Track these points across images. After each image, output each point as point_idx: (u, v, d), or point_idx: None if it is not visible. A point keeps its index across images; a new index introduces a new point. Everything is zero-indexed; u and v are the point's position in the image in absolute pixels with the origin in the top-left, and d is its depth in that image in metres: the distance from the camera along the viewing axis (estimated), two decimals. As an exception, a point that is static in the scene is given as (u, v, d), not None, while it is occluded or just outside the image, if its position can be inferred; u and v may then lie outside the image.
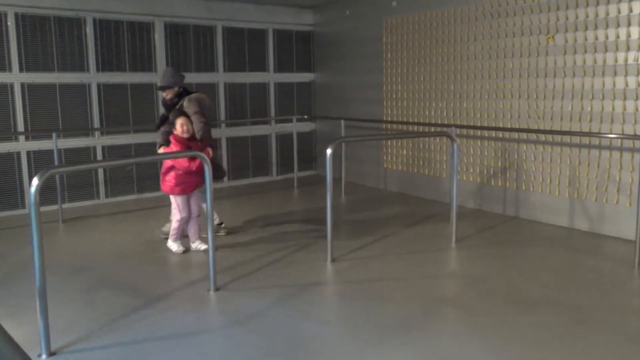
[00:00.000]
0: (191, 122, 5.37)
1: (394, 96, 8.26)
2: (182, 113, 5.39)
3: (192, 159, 5.21)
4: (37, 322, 3.34)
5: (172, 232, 5.52)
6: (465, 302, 4.14)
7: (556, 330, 3.63)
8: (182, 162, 5.21)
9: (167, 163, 5.36)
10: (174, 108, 5.57)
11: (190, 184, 5.36)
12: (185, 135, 5.29)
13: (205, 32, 8.73)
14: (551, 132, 6.17)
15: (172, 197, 5.45)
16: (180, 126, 5.26)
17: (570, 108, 6.08)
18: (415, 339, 3.54)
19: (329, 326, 3.81)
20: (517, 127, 6.59)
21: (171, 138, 5.33)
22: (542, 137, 6.38)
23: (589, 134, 5.87)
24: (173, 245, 5.50)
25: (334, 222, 5.05)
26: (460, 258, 5.28)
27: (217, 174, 5.58)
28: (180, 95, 5.73)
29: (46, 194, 7.16)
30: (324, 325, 3.81)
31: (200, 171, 5.15)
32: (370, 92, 8.67)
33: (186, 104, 5.61)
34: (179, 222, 5.46)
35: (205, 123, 5.58)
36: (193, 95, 5.75)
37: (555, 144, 6.26)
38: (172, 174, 5.32)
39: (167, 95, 5.75)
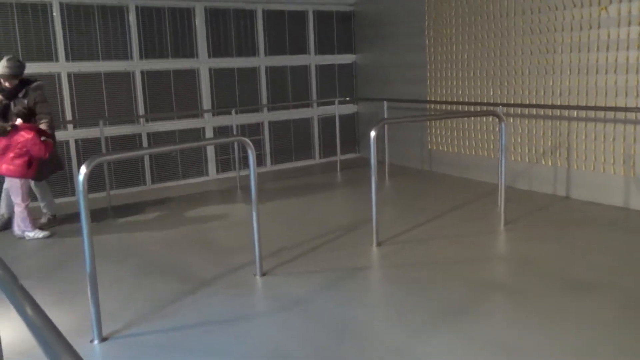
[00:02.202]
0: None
1: (438, 75, 8.07)
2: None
3: (46, 148, 5.55)
4: (89, 307, 3.40)
5: (25, 222, 5.66)
6: (516, 286, 4.02)
7: (611, 314, 3.48)
8: (39, 150, 5.47)
9: (19, 145, 5.44)
10: (16, 96, 5.67)
11: (43, 170, 5.75)
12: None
13: (245, 16, 8.70)
14: (604, 108, 5.92)
15: (18, 182, 5.57)
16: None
17: (625, 82, 5.81)
18: (465, 324, 3.45)
19: (375, 311, 3.76)
20: (568, 104, 6.35)
21: (23, 126, 5.52)
22: (594, 113, 6.13)
23: (646, 110, 5.61)
24: (37, 234, 5.68)
25: (378, 205, 4.97)
26: (510, 240, 5.14)
27: (57, 167, 6.15)
28: (21, 84, 5.74)
29: (95, 180, 7.31)
30: (370, 311, 3.76)
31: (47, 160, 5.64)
32: (413, 71, 8.49)
33: (33, 92, 5.72)
34: (26, 209, 5.64)
35: (49, 113, 5.83)
36: (38, 83, 5.85)
37: (608, 120, 6.01)
38: (24, 159, 5.46)
39: (11, 84, 5.68)
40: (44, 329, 1.26)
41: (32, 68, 7.09)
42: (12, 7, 6.94)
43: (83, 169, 3.27)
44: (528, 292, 3.89)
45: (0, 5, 6.89)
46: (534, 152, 6.87)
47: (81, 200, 3.28)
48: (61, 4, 7.23)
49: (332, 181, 8.24)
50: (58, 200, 7.30)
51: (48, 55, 7.21)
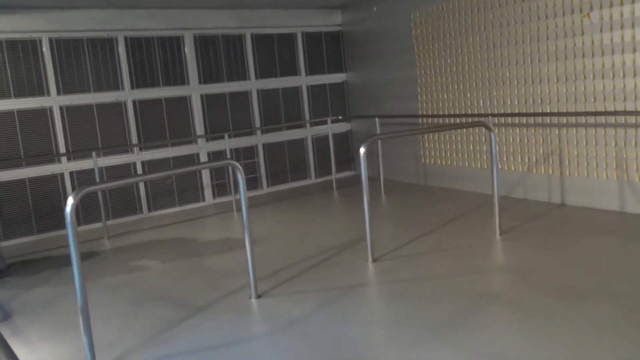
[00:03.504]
0: None
1: (429, 89, 8.12)
2: None
3: None
4: (82, 338, 3.38)
5: None
6: (514, 297, 4.00)
7: (611, 323, 3.45)
8: None
9: None
10: None
11: None
12: None
13: (234, 41, 8.78)
14: (594, 113, 5.94)
15: None
16: None
17: (612, 87, 5.84)
18: (463, 337, 3.42)
19: (373, 328, 3.74)
20: (557, 111, 6.37)
21: None
22: (584, 119, 6.15)
23: (635, 113, 5.62)
24: None
25: (373, 221, 4.96)
26: (506, 251, 5.12)
27: None
28: None
29: (91, 211, 7.32)
30: (368, 328, 3.73)
31: None
32: (404, 87, 8.54)
33: None
34: None
35: None
36: None
37: (599, 125, 6.02)
38: None
39: None
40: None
41: (23, 103, 7.17)
42: (1, 44, 7.01)
43: (70, 200, 3.28)
44: (525, 303, 3.87)
45: (-9, 43, 6.97)
46: (527, 160, 6.88)
47: (69, 231, 3.28)
48: (50, 39, 7.30)
49: (328, 200, 8.24)
50: (54, 234, 7.31)
51: (39, 89, 7.27)
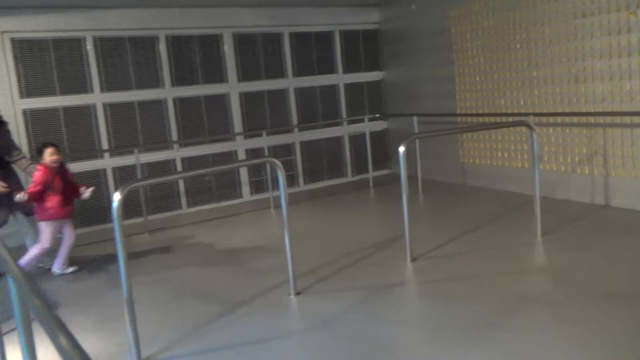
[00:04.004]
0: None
1: (467, 88, 8.03)
2: (51, 143, 5.45)
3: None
4: (126, 332, 3.46)
5: (35, 260, 5.40)
6: (553, 300, 3.93)
7: (658, 326, 3.37)
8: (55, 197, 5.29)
9: (37, 188, 5.21)
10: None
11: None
12: (55, 165, 5.32)
13: (272, 40, 8.84)
14: (639, 113, 5.78)
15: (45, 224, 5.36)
16: (49, 155, 5.29)
17: (659, 86, 5.68)
18: (501, 339, 3.38)
19: (410, 328, 3.72)
20: (601, 110, 6.23)
21: (39, 167, 5.28)
22: (630, 119, 5.99)
23: (683, 113, 5.46)
24: (67, 269, 5.60)
25: (411, 220, 4.94)
26: (547, 252, 5.03)
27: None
28: None
29: (132, 207, 7.46)
30: (405, 328, 3.72)
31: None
32: (441, 85, 8.47)
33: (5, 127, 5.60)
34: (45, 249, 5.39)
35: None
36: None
37: (646, 125, 5.86)
38: (55, 199, 5.31)
39: None
40: (76, 356, 1.29)
41: (68, 100, 7.35)
42: (48, 42, 7.21)
43: (117, 195, 3.35)
44: (565, 306, 3.80)
45: (39, 42, 7.16)
46: (569, 160, 6.74)
47: (116, 226, 3.35)
48: (94, 38, 7.47)
49: (364, 198, 8.23)
50: (98, 228, 7.48)
51: (83, 87, 7.45)
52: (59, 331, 1.48)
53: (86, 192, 5.54)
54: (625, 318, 3.51)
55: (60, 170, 5.42)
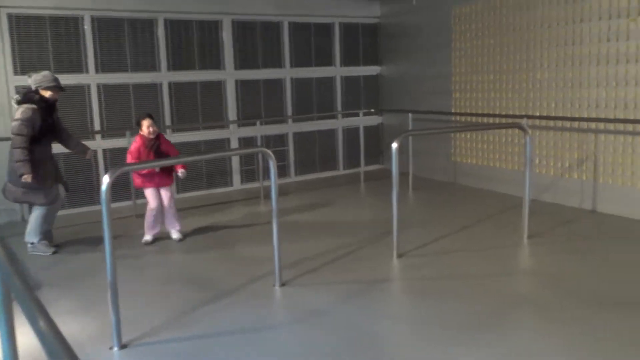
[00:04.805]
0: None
1: (463, 87, 8.03)
2: (148, 114, 5.75)
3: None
4: (110, 315, 3.46)
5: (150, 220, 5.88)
6: (538, 302, 3.96)
7: (636, 334, 3.40)
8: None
9: (130, 159, 5.64)
10: (54, 110, 5.54)
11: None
12: (152, 136, 5.65)
13: (271, 28, 8.79)
14: (633, 121, 5.82)
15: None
16: (147, 127, 5.62)
17: (654, 95, 5.70)
18: (484, 339, 3.41)
19: (394, 324, 3.74)
20: (595, 116, 6.25)
21: (136, 139, 5.67)
22: (622, 126, 6.02)
23: (675, 123, 5.49)
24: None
25: (400, 216, 4.95)
26: (533, 254, 5.06)
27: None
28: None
29: (121, 190, 7.44)
30: (389, 323, 3.74)
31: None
32: (438, 83, 8.47)
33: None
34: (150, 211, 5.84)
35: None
36: None
37: (637, 133, 5.89)
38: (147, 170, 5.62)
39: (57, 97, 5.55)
40: (52, 339, 1.29)
41: (62, 79, 7.28)
42: (44, 19, 7.14)
43: (106, 179, 3.34)
44: (549, 308, 3.83)
45: (36, 19, 7.09)
46: (559, 165, 6.77)
47: (104, 209, 3.34)
48: (92, 17, 7.41)
49: (355, 192, 8.24)
50: (84, 209, 7.46)
51: (78, 66, 7.39)
52: (39, 314, 1.48)
53: (180, 172, 5.83)
54: (608, 323, 3.54)
55: (155, 143, 5.70)
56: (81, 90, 7.44)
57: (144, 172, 5.61)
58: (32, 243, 5.58)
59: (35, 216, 5.56)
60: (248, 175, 8.77)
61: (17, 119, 5.23)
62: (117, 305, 3.44)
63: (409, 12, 8.99)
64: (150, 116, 5.72)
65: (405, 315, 3.92)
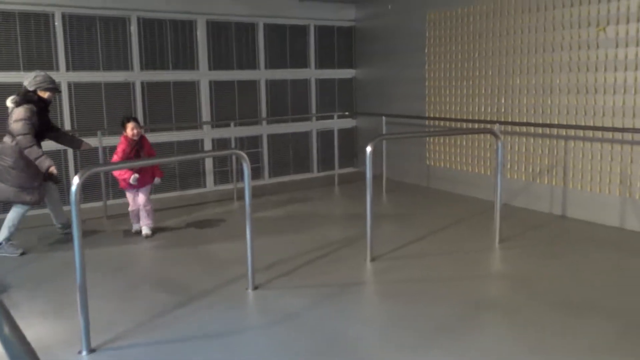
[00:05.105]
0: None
1: (437, 92, 8.10)
2: (133, 118, 6.06)
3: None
4: (79, 318, 3.39)
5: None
6: (509, 305, 4.01)
7: (605, 337, 3.46)
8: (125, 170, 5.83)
9: (115, 158, 5.93)
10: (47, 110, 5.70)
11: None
12: (136, 138, 5.90)
13: (246, 29, 8.75)
14: (601, 128, 5.93)
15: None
16: (131, 130, 5.85)
17: (622, 103, 5.83)
18: (455, 343, 3.43)
19: (367, 328, 3.75)
20: (565, 123, 6.37)
21: (123, 139, 5.91)
22: (591, 133, 6.14)
23: (642, 131, 5.61)
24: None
25: (374, 220, 4.96)
26: (504, 258, 5.13)
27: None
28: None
29: (92, 191, 7.31)
30: (362, 327, 3.74)
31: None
32: (412, 88, 8.53)
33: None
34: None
35: None
36: None
37: (606, 140, 6.02)
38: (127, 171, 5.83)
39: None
40: (16, 343, 1.25)
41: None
42: (14, 15, 6.99)
43: (76, 180, 3.28)
44: (519, 312, 3.88)
45: (4, 15, 6.93)
46: (530, 170, 6.87)
47: (74, 210, 3.28)
48: (63, 15, 7.28)
49: (329, 195, 8.24)
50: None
51: (49, 64, 7.24)
52: (2, 317, 1.44)
53: (156, 180, 6.16)
54: (576, 327, 3.60)
55: (139, 144, 5.94)
56: (51, 89, 7.29)
57: (125, 175, 5.82)
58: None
59: (15, 215, 5.51)
60: (222, 176, 8.71)
61: (19, 119, 5.31)
62: (87, 309, 3.38)
63: (384, 16, 9.04)
64: (135, 119, 5.98)
65: (378, 319, 3.93)
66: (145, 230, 6.08)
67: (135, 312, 4.04)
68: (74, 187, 3.26)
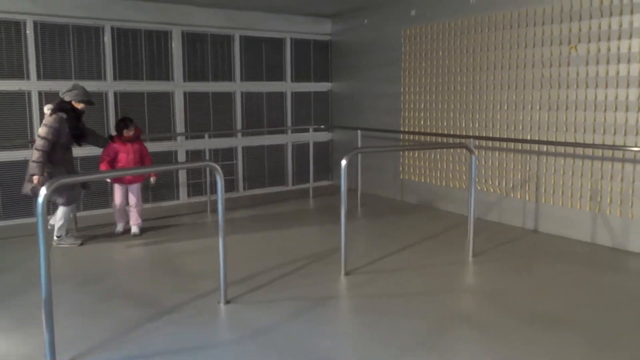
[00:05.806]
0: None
1: (412, 106, 8.15)
2: (129, 119, 6.53)
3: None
4: (43, 333, 3.28)
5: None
6: (482, 319, 4.01)
7: (576, 351, 3.48)
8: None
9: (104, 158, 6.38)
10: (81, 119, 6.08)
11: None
12: (127, 141, 6.45)
13: (222, 41, 8.72)
14: (573, 144, 6.02)
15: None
16: (126, 133, 6.40)
17: (593, 120, 5.93)
18: (430, 357, 3.41)
19: (339, 341, 3.71)
20: (538, 138, 6.45)
21: (111, 142, 6.43)
22: (563, 149, 6.23)
23: (613, 147, 5.71)
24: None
25: (348, 234, 4.94)
26: (477, 273, 5.14)
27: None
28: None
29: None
30: (335, 341, 3.70)
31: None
32: (388, 102, 8.57)
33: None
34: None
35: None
36: None
37: (577, 156, 6.10)
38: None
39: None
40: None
41: (2, 85, 7.00)
42: (-16, 23, 6.86)
43: (43, 190, 3.19)
44: (492, 326, 3.88)
45: (-28, 21, 6.80)
46: (504, 184, 6.94)
47: (40, 222, 3.19)
48: (35, 23, 7.16)
49: (303, 208, 8.21)
50: (17, 222, 7.14)
51: (19, 72, 7.11)
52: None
53: (151, 179, 6.78)
54: (547, 340, 3.61)
55: (133, 138, 6.42)
56: (21, 97, 7.16)
57: (109, 159, 6.30)
58: None
59: (60, 214, 5.97)
60: (195, 188, 8.62)
61: (46, 125, 5.66)
62: (52, 323, 3.27)
63: (360, 30, 9.09)
64: (130, 120, 6.49)
65: (351, 334, 3.89)
66: (134, 230, 6.46)
67: (103, 326, 3.93)
68: (41, 199, 3.17)
